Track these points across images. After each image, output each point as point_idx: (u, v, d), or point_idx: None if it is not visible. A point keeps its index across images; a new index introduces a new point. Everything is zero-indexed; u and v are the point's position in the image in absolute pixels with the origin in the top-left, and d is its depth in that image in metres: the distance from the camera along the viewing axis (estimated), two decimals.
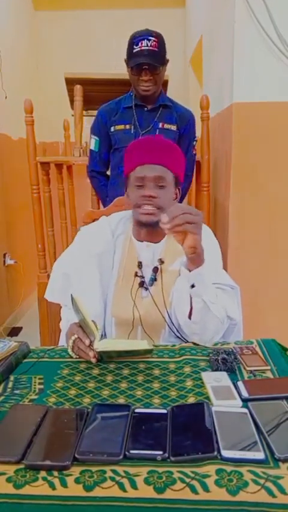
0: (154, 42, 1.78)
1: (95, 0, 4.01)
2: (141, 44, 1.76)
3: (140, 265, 1.21)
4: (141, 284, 1.20)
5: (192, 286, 1.04)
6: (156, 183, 1.13)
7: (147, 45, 1.76)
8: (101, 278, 1.21)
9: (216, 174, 2.43)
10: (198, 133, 2.14)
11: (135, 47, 1.78)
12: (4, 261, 3.11)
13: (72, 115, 2.59)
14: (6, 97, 3.14)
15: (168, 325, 1.19)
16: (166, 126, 1.96)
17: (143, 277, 1.21)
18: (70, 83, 2.46)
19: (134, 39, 1.79)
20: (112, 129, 1.98)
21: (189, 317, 1.10)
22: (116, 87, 2.14)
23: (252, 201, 2.09)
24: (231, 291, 1.18)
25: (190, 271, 1.03)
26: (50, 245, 2.44)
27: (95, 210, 1.94)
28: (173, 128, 1.97)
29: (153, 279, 1.21)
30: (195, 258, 1.02)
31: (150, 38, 1.78)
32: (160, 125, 1.95)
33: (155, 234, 1.21)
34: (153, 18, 3.92)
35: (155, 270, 1.21)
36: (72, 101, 2.53)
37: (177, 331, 1.19)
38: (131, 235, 1.26)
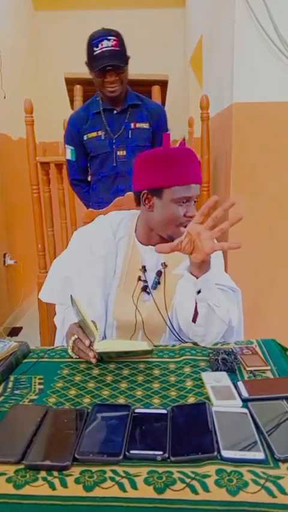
0: (114, 42, 1.72)
1: (95, 0, 4.01)
2: (101, 44, 1.71)
3: (143, 269, 1.20)
4: (144, 288, 1.20)
5: (198, 291, 1.04)
6: (195, 201, 1.15)
7: (107, 46, 1.71)
8: (104, 280, 1.20)
9: (216, 174, 2.43)
10: (197, 133, 2.14)
11: (95, 48, 1.72)
12: (4, 261, 3.11)
13: None
14: (5, 97, 3.14)
15: (169, 328, 1.18)
16: (138, 125, 1.93)
17: (146, 281, 1.20)
18: (70, 83, 2.46)
19: (93, 41, 1.73)
20: (85, 137, 1.96)
21: (194, 321, 1.09)
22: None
23: (252, 201, 2.09)
24: (232, 294, 1.18)
25: (197, 277, 1.03)
26: (50, 245, 2.44)
27: (95, 210, 1.94)
28: (145, 125, 1.95)
29: (157, 283, 1.20)
30: (204, 265, 1.02)
31: (110, 37, 1.72)
32: (132, 126, 1.93)
33: (163, 239, 1.19)
34: (153, 18, 3.93)
35: (159, 273, 1.20)
36: (72, 101, 2.52)
37: (178, 334, 1.19)
38: (134, 238, 1.24)
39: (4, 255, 3.12)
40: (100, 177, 2.00)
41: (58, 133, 3.35)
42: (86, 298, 1.12)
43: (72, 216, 2.88)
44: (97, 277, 1.19)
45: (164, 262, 1.21)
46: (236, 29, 1.93)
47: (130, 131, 1.92)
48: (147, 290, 1.19)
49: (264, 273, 2.15)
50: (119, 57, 1.75)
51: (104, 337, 1.24)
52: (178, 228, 1.12)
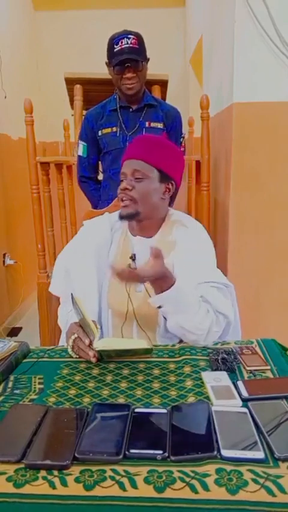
0: (134, 40, 1.79)
1: (94, 0, 4.02)
2: (122, 42, 1.78)
3: (133, 257, 1.23)
4: None
5: (159, 306, 1.06)
6: (133, 176, 1.17)
7: (127, 43, 1.78)
8: (98, 269, 1.23)
9: (216, 173, 2.43)
10: (197, 133, 2.14)
11: (115, 46, 1.79)
12: (4, 261, 3.11)
13: (72, 115, 2.59)
14: (5, 97, 3.14)
15: (163, 319, 1.18)
16: (153, 124, 1.96)
17: (135, 269, 1.19)
18: (70, 82, 2.46)
19: (114, 40, 1.80)
20: (99, 133, 1.98)
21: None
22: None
23: (252, 201, 2.09)
24: (225, 289, 1.18)
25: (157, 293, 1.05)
26: (50, 245, 2.44)
27: (95, 210, 1.94)
28: (160, 126, 1.97)
29: None
30: (156, 285, 1.04)
31: (130, 36, 1.79)
32: (146, 124, 1.95)
33: (147, 228, 1.24)
34: (153, 18, 3.93)
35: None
36: (72, 101, 2.53)
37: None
38: (127, 230, 1.29)
39: (4, 255, 3.12)
40: (111, 174, 2.01)
41: (58, 133, 3.35)
42: (82, 287, 1.17)
43: (72, 216, 2.88)
44: (92, 265, 1.22)
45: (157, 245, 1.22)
46: (236, 29, 1.93)
47: (144, 129, 1.94)
48: None
49: (264, 273, 2.15)
50: (137, 54, 1.80)
51: (100, 328, 1.24)
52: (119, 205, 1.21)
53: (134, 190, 1.17)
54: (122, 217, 1.21)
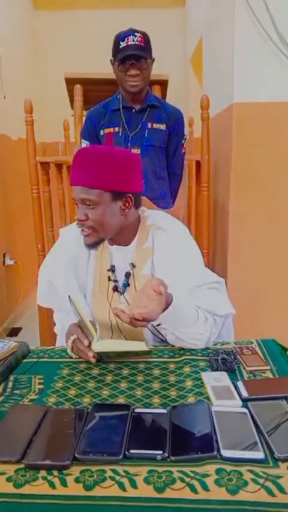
0: (140, 38, 1.80)
1: (94, 0, 4.01)
2: (128, 39, 1.78)
3: (112, 268, 1.18)
4: (115, 288, 1.17)
5: (158, 324, 1.03)
6: (83, 204, 1.07)
7: (133, 41, 1.78)
8: (77, 281, 1.19)
9: (216, 174, 2.43)
10: (197, 133, 2.14)
11: (121, 42, 1.79)
12: (4, 261, 3.11)
13: (72, 115, 2.59)
14: (4, 97, 3.14)
15: (150, 330, 1.15)
16: (155, 125, 1.95)
17: (116, 281, 1.18)
18: (70, 82, 2.46)
19: (120, 37, 1.81)
20: (101, 132, 1.98)
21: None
22: (117, 87, 2.14)
23: (253, 201, 2.09)
24: (219, 287, 1.16)
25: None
26: (50, 245, 2.44)
27: None
28: (162, 127, 1.97)
29: (126, 284, 1.17)
30: None
31: (136, 34, 1.80)
32: (149, 125, 1.95)
33: (122, 239, 1.17)
34: (153, 17, 3.93)
35: (127, 275, 1.17)
36: (72, 101, 2.52)
37: (159, 333, 1.15)
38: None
39: (4, 255, 3.11)
40: None
41: (58, 133, 3.35)
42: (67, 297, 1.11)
43: (72, 216, 2.88)
44: (71, 277, 1.18)
45: (132, 263, 1.18)
46: (236, 29, 1.93)
47: (147, 130, 1.93)
48: (119, 290, 1.17)
49: (264, 273, 2.15)
50: (143, 52, 1.81)
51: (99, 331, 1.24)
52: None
53: (90, 220, 1.07)
54: (88, 247, 1.14)
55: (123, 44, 1.79)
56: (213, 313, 1.10)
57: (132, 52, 1.78)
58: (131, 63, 1.80)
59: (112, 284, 1.17)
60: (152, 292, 0.93)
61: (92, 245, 1.12)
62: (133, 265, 1.17)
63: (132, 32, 1.80)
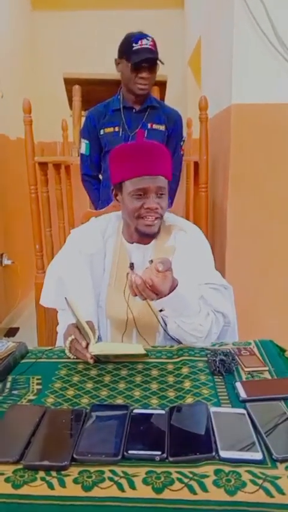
0: (152, 42, 1.82)
1: (92, 1, 4.01)
2: (141, 42, 1.80)
3: (131, 266, 1.21)
4: None
5: (161, 310, 1.06)
6: (156, 193, 1.13)
7: (147, 44, 1.80)
8: (92, 278, 1.21)
9: (214, 175, 2.43)
10: (196, 134, 2.14)
11: (134, 44, 1.80)
12: (1, 262, 3.11)
13: (71, 115, 2.59)
14: (2, 96, 3.13)
15: (162, 327, 1.18)
16: (155, 126, 1.97)
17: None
18: (69, 83, 2.46)
19: (133, 38, 1.82)
20: (101, 131, 1.99)
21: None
22: (115, 88, 2.14)
23: (251, 202, 2.10)
24: (224, 291, 1.18)
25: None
26: (48, 245, 2.44)
27: (93, 210, 1.94)
28: (162, 128, 1.98)
29: None
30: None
31: (149, 37, 1.82)
32: (149, 126, 1.96)
33: (141, 235, 1.21)
34: (151, 19, 3.93)
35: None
36: (70, 101, 2.52)
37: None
38: (121, 237, 1.25)
39: (1, 255, 3.11)
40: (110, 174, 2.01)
41: (56, 133, 3.35)
42: (78, 297, 1.12)
43: (70, 217, 2.88)
44: (87, 275, 1.20)
45: (152, 260, 1.17)
46: (234, 30, 1.93)
47: (146, 131, 1.94)
48: None
49: (263, 274, 2.16)
50: (156, 56, 1.83)
51: (99, 337, 1.24)
52: (138, 220, 1.15)
53: (161, 209, 1.14)
54: (145, 235, 1.17)
55: (136, 46, 1.80)
56: (216, 310, 1.11)
57: (148, 55, 1.80)
58: (144, 66, 1.82)
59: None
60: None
61: (156, 233, 1.19)
62: (152, 262, 1.18)
63: (144, 35, 1.82)
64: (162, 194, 1.14)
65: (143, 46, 1.79)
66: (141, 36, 1.81)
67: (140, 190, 1.11)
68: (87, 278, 1.20)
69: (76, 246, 1.24)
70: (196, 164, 2.28)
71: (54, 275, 1.25)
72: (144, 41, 1.79)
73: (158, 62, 1.85)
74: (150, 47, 1.81)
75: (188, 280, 1.07)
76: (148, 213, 1.13)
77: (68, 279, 1.20)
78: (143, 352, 0.99)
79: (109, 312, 1.21)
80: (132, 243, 1.23)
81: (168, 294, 0.98)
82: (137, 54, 1.80)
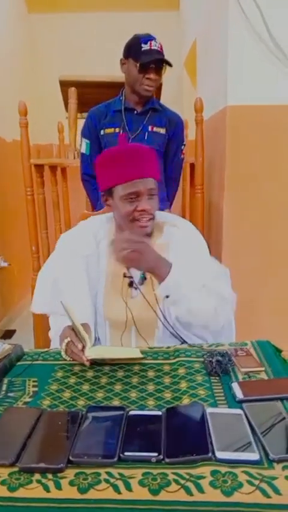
0: (160, 45, 1.84)
1: (88, 3, 4.02)
2: (150, 43, 1.81)
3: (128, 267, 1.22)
4: (131, 284, 1.21)
5: (167, 296, 1.10)
6: (147, 195, 1.15)
7: (155, 46, 1.82)
8: (88, 281, 1.21)
9: (210, 176, 2.44)
10: (191, 136, 2.14)
11: (143, 45, 1.82)
12: None
13: (67, 117, 2.59)
14: None
15: (161, 322, 1.18)
16: (155, 129, 1.97)
17: (131, 277, 1.21)
18: (65, 85, 2.46)
19: (142, 39, 1.83)
20: (102, 132, 1.99)
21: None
22: (111, 90, 2.15)
23: (247, 203, 2.10)
24: (224, 277, 1.22)
25: (159, 282, 1.12)
26: (44, 247, 2.43)
27: (90, 212, 1.94)
28: (162, 131, 1.98)
29: (144, 278, 1.21)
30: (154, 272, 1.13)
31: (157, 40, 1.84)
32: (149, 128, 1.96)
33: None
34: (147, 20, 3.93)
35: None
36: (66, 103, 2.53)
37: (172, 328, 1.19)
38: (114, 237, 1.26)
39: None
40: None
41: (52, 135, 3.35)
42: (74, 298, 1.13)
43: (66, 218, 2.88)
44: (82, 277, 1.20)
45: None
46: (229, 32, 1.94)
47: (147, 133, 1.95)
48: (134, 286, 1.21)
49: (259, 274, 2.16)
50: (164, 58, 1.85)
51: (98, 339, 1.24)
52: (133, 223, 1.16)
53: (153, 209, 1.16)
54: (147, 235, 1.20)
55: (146, 47, 1.82)
56: (218, 292, 1.16)
57: (157, 56, 1.82)
58: (152, 67, 1.83)
59: (127, 280, 1.20)
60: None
61: (150, 233, 1.22)
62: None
63: (153, 37, 1.84)
64: (153, 195, 1.16)
65: (152, 47, 1.81)
66: (150, 37, 1.83)
67: (132, 194, 1.13)
68: (83, 279, 1.20)
69: (69, 248, 1.24)
70: (192, 166, 2.29)
71: (47, 279, 1.24)
72: (154, 43, 1.82)
73: (166, 64, 1.87)
74: (159, 48, 1.83)
75: (186, 269, 1.12)
76: (142, 215, 1.15)
77: (64, 280, 1.20)
78: (140, 355, 0.99)
79: (107, 313, 1.22)
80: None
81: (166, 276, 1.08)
82: (146, 55, 1.81)
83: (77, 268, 1.20)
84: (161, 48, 1.84)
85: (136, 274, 1.22)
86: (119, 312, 1.19)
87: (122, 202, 1.14)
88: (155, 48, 1.82)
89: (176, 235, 1.24)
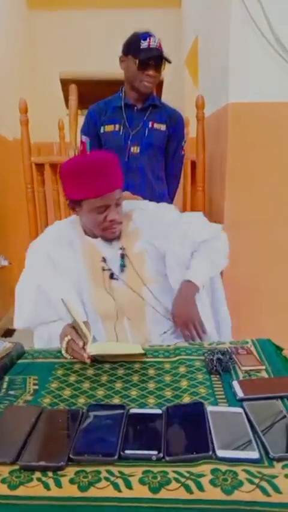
0: (159, 42, 1.84)
1: (89, 1, 4.01)
2: (150, 40, 1.81)
3: (104, 259, 1.26)
4: (111, 276, 1.25)
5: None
6: (116, 204, 1.22)
7: (155, 42, 1.82)
8: (72, 282, 1.24)
9: (211, 174, 2.43)
10: (192, 133, 2.14)
11: (143, 41, 1.82)
12: None
13: (67, 115, 2.58)
14: None
15: (149, 304, 1.24)
16: (156, 125, 1.96)
17: (110, 269, 1.26)
18: (65, 82, 2.46)
19: (141, 36, 1.83)
20: (102, 129, 1.98)
21: None
22: (111, 87, 2.14)
23: (248, 201, 2.10)
24: (200, 222, 1.37)
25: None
26: None
27: None
28: (163, 127, 1.98)
29: (124, 265, 1.26)
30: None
31: (156, 37, 1.84)
32: (150, 124, 1.95)
33: None
34: (148, 18, 3.93)
35: (122, 256, 1.27)
36: (67, 100, 2.52)
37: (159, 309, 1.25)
38: (85, 238, 1.29)
39: None
40: None
41: (53, 133, 3.35)
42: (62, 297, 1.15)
43: (67, 217, 2.87)
44: (65, 280, 1.23)
45: (122, 246, 1.28)
46: (231, 29, 1.93)
47: (147, 129, 1.94)
48: (114, 277, 1.25)
49: (260, 273, 2.16)
50: (163, 54, 1.85)
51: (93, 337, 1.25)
52: (105, 231, 1.24)
53: (120, 217, 1.24)
54: (116, 238, 1.28)
55: (145, 44, 1.82)
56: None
57: (156, 53, 1.82)
58: (151, 63, 1.83)
59: (107, 273, 1.25)
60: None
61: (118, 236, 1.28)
62: (123, 248, 1.28)
63: (152, 34, 1.84)
64: (119, 203, 1.23)
65: (151, 44, 1.81)
66: (149, 34, 1.83)
67: (102, 207, 1.19)
68: (67, 282, 1.23)
69: (45, 254, 1.26)
70: (193, 163, 2.28)
71: (28, 291, 1.24)
72: (153, 40, 1.82)
73: (165, 61, 1.86)
74: (157, 45, 1.83)
75: (181, 242, 1.27)
76: (111, 224, 1.22)
77: (49, 286, 1.21)
78: (141, 351, 0.99)
79: (97, 308, 1.25)
80: (97, 238, 1.29)
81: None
82: (145, 52, 1.81)
83: (57, 271, 1.23)
84: (160, 45, 1.84)
85: (114, 265, 1.26)
86: (107, 305, 1.23)
87: (92, 213, 1.21)
88: (154, 45, 1.82)
89: (143, 218, 1.32)
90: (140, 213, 1.34)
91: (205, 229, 1.34)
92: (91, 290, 1.25)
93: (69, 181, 1.20)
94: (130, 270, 1.25)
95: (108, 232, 1.24)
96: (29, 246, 1.31)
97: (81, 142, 1.74)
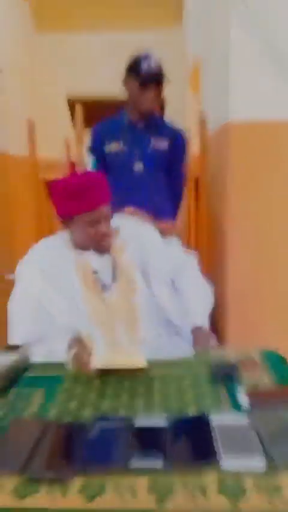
0: (158, 62, 1.89)
1: (93, 22, 4.13)
2: (149, 61, 1.87)
3: (95, 271, 1.29)
4: (103, 287, 1.28)
5: None
6: (106, 218, 1.29)
7: (155, 64, 1.87)
8: (65, 293, 1.26)
9: (214, 190, 2.46)
10: (195, 150, 2.17)
11: (142, 62, 1.87)
12: (4, 277, 3.11)
13: (74, 134, 2.64)
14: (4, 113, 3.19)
15: (142, 311, 1.28)
16: (158, 143, 2.00)
17: (102, 280, 1.29)
18: (72, 103, 2.52)
19: (140, 57, 1.89)
20: (106, 149, 2.02)
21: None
22: (117, 107, 2.19)
23: (250, 217, 2.11)
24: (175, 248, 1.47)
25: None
26: None
27: None
28: (165, 145, 2.01)
29: (114, 276, 1.30)
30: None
31: (155, 58, 1.89)
32: (152, 142, 1.99)
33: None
34: (150, 37, 4.03)
35: (113, 266, 1.31)
36: (73, 120, 2.58)
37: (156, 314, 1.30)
38: (75, 251, 1.32)
39: (4, 272, 3.12)
40: (115, 189, 2.04)
41: (60, 151, 3.40)
42: (68, 316, 1.22)
43: None
44: (59, 291, 1.26)
45: (113, 257, 1.33)
46: (232, 48, 1.98)
47: (150, 147, 1.98)
48: (107, 287, 1.29)
49: (264, 285, 2.15)
50: (163, 76, 1.90)
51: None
52: (97, 244, 1.30)
53: (110, 231, 1.31)
54: (107, 251, 1.33)
55: (144, 65, 1.87)
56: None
57: (155, 73, 1.87)
58: (152, 84, 1.88)
59: (99, 284, 1.29)
60: None
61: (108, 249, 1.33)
62: (114, 258, 1.33)
63: (151, 55, 1.89)
64: (108, 217, 1.30)
65: (151, 66, 1.86)
66: (148, 55, 1.88)
67: (92, 222, 1.26)
68: (65, 296, 1.25)
69: (36, 269, 1.29)
70: (196, 180, 2.31)
71: (24, 307, 1.26)
72: (153, 61, 1.86)
73: (164, 81, 1.91)
74: (157, 66, 1.87)
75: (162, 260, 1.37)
76: (102, 237, 1.29)
77: (45, 299, 1.25)
78: (144, 363, 0.99)
79: (92, 318, 1.25)
80: (89, 249, 1.32)
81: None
82: (145, 73, 1.86)
83: (51, 285, 1.26)
84: (160, 65, 1.89)
85: (105, 276, 1.30)
86: (101, 314, 1.26)
87: (84, 227, 1.27)
88: (154, 65, 1.87)
89: (126, 232, 1.39)
90: (128, 229, 1.41)
91: (181, 253, 1.48)
92: (85, 301, 1.27)
93: (61, 199, 1.28)
94: (121, 280, 1.30)
95: (100, 245, 1.30)
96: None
97: (70, 163, 1.79)
